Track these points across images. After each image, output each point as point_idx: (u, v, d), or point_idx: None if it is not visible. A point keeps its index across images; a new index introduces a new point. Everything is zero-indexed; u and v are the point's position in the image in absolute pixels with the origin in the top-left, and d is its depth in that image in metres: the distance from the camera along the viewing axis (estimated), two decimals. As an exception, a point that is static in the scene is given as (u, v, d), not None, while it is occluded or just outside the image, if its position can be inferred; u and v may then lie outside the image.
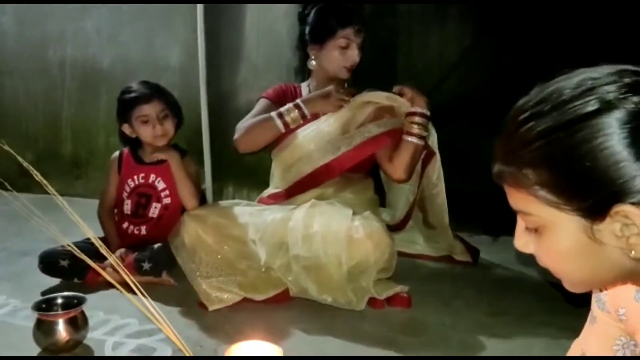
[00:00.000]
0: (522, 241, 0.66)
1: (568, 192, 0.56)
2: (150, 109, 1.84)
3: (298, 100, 1.80)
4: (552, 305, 1.58)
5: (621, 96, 0.54)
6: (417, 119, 1.78)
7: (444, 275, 1.93)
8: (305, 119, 1.80)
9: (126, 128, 1.89)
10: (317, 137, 1.80)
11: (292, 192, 1.86)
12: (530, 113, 0.58)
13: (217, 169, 2.65)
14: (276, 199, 1.90)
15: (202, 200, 1.96)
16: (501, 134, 0.62)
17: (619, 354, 0.75)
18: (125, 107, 1.86)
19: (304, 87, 1.96)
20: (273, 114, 1.79)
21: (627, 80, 0.55)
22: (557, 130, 0.56)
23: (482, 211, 2.42)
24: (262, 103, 1.90)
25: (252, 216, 1.73)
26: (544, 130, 0.56)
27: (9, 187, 1.17)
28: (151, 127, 1.84)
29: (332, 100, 1.79)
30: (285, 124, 1.78)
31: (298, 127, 1.82)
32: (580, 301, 0.79)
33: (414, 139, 1.79)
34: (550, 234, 0.60)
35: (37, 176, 1.15)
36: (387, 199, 2.09)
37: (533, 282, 1.83)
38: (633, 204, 0.54)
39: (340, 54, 1.82)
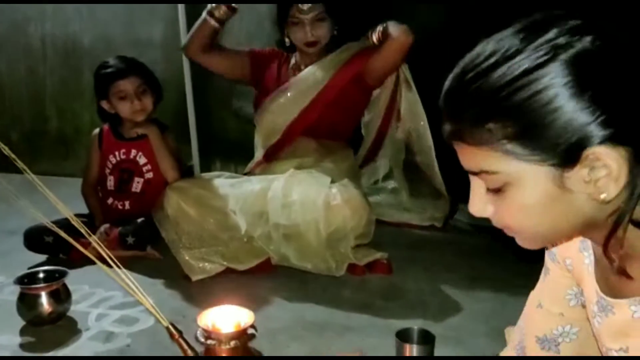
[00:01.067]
0: (479, 205, 0.64)
1: (537, 142, 0.55)
2: (127, 85, 1.83)
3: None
4: (531, 270, 1.60)
5: (569, 40, 0.55)
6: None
7: (425, 242, 1.96)
8: (232, 11, 1.90)
9: (104, 104, 1.89)
10: (293, 90, 1.90)
11: (275, 150, 1.91)
12: (486, 65, 0.57)
13: (203, 145, 2.65)
14: (260, 164, 1.95)
15: (186, 176, 1.97)
16: (451, 91, 0.60)
17: (572, 303, 0.77)
18: (103, 83, 1.86)
19: (292, 57, 2.02)
20: (204, 12, 1.92)
21: (570, 24, 0.56)
22: (517, 79, 0.55)
23: (459, 178, 2.43)
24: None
25: (233, 187, 1.75)
26: (506, 82, 0.55)
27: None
28: (129, 103, 1.84)
29: None
30: (217, 19, 1.89)
31: (275, 90, 1.92)
32: (533, 258, 0.80)
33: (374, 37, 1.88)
34: (515, 190, 0.59)
35: (14, 159, 1.16)
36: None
37: (510, 250, 1.85)
38: (600, 144, 0.54)
39: (297, 31, 1.88)
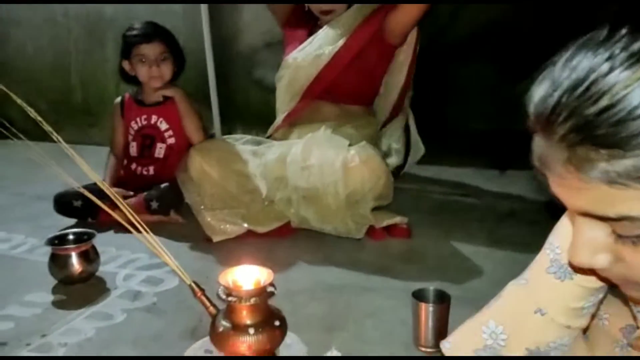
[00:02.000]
0: (590, 255, 0.50)
1: None
2: (149, 49, 1.85)
3: None
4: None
5: None
6: None
7: (446, 208, 1.96)
8: None
9: (126, 64, 1.92)
10: (309, 49, 1.91)
11: (296, 113, 1.93)
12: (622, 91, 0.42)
13: (224, 113, 2.67)
14: (285, 121, 1.98)
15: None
16: (572, 114, 0.44)
17: (585, 312, 0.67)
18: (127, 44, 1.89)
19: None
20: None
21: None
22: None
23: (489, 146, 2.43)
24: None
25: (254, 154, 1.77)
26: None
27: (22, 136, 1.22)
28: (148, 68, 1.87)
29: None
30: None
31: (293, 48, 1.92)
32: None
33: None
34: None
35: (45, 126, 1.20)
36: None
37: (535, 214, 1.85)
38: None
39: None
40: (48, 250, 1.45)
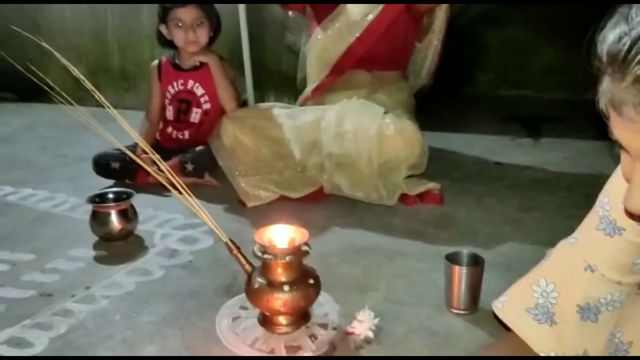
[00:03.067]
0: None
1: None
2: (185, 14, 1.86)
3: None
4: (586, 201, 1.58)
5: None
6: None
7: (479, 175, 1.94)
8: None
9: (163, 29, 1.94)
10: (340, 22, 1.86)
11: (327, 83, 1.90)
12: None
13: (257, 79, 2.67)
14: (315, 93, 1.95)
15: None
16: None
17: (637, 268, 0.66)
18: (164, 9, 1.90)
19: None
20: None
21: None
22: None
23: (525, 114, 2.38)
24: None
25: (288, 117, 1.78)
26: None
27: (70, 100, 1.25)
28: (184, 32, 1.87)
29: None
30: None
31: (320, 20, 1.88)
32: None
33: None
34: None
35: (89, 86, 1.22)
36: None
37: (568, 181, 1.83)
38: None
39: None
40: (89, 208, 1.50)
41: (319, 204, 1.71)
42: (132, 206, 1.52)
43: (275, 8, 2.63)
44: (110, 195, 1.54)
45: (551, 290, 0.68)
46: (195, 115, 1.98)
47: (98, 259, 1.41)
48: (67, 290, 1.25)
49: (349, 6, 1.88)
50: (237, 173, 1.73)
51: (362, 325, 1.03)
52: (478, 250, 1.32)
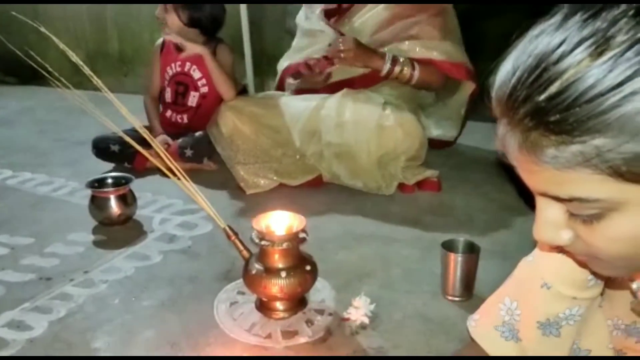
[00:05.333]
0: (552, 233, 0.51)
1: None
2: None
3: None
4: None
5: None
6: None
7: (476, 163, 1.94)
8: None
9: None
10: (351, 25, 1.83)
11: (327, 91, 1.86)
12: (577, 59, 0.41)
13: (258, 64, 2.67)
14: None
15: (242, 94, 2.00)
16: (525, 92, 0.44)
17: (591, 284, 0.67)
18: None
19: None
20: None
21: None
22: (625, 83, 0.40)
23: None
24: None
25: (287, 105, 1.77)
26: (613, 85, 0.40)
27: (68, 84, 1.25)
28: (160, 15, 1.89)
29: None
30: None
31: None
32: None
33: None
34: (621, 217, 0.45)
35: (87, 71, 1.22)
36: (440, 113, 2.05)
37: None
38: None
39: None
40: (88, 192, 1.51)
41: (317, 191, 1.71)
42: (131, 191, 1.52)
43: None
44: (109, 180, 1.54)
45: (515, 307, 0.70)
46: (192, 99, 1.98)
47: (97, 244, 1.42)
48: (66, 274, 1.26)
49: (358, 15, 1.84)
50: (236, 161, 1.73)
51: (358, 312, 1.05)
52: (475, 237, 1.33)
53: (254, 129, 1.74)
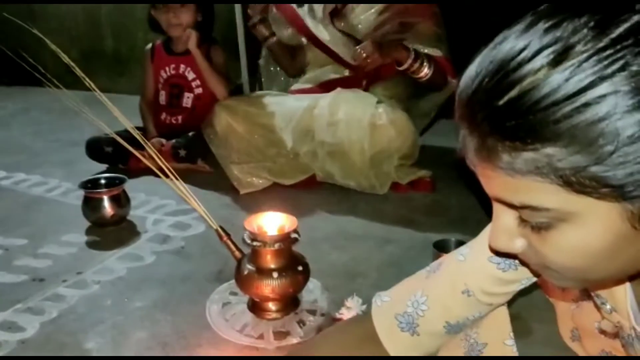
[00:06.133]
0: (507, 241, 0.51)
1: (614, 173, 0.41)
2: None
3: None
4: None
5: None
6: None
7: (472, 163, 1.95)
8: None
9: (153, 11, 1.92)
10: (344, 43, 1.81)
11: (321, 90, 1.87)
12: (534, 69, 0.42)
13: (252, 63, 2.66)
14: (305, 92, 1.93)
15: (237, 94, 2.01)
16: (483, 98, 0.44)
17: (512, 295, 0.69)
18: None
19: None
20: None
21: None
22: (580, 94, 0.40)
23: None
24: None
25: (280, 105, 1.78)
26: (565, 96, 0.41)
27: (59, 84, 1.25)
28: (166, 14, 1.86)
29: None
30: None
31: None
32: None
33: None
34: (570, 228, 0.46)
35: (79, 72, 1.22)
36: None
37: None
38: None
39: None
40: (81, 193, 1.51)
41: (311, 190, 1.72)
42: (124, 192, 1.52)
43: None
44: (103, 181, 1.54)
45: (422, 301, 0.70)
46: (187, 100, 1.98)
47: (90, 245, 1.42)
48: (59, 275, 1.26)
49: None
50: (230, 161, 1.73)
51: (350, 312, 1.05)
52: (467, 237, 1.32)
53: (248, 128, 1.75)
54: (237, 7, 2.57)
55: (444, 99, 1.83)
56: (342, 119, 1.64)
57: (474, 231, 1.43)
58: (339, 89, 1.74)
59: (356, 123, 1.62)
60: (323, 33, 1.85)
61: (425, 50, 1.71)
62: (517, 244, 0.51)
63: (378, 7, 1.78)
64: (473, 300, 0.67)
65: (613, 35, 0.40)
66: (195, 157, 1.86)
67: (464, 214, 1.53)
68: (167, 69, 1.99)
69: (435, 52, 1.73)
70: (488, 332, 0.73)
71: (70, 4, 3.08)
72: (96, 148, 1.89)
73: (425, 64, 1.68)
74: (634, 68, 0.39)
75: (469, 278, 0.67)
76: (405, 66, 1.67)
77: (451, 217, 1.52)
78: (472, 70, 0.46)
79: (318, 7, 1.87)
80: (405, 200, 1.64)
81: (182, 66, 1.96)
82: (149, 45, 2.04)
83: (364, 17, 1.80)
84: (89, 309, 1.14)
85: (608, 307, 0.62)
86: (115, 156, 1.87)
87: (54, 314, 1.12)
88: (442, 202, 1.62)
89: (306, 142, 1.70)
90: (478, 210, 1.55)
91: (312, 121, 1.69)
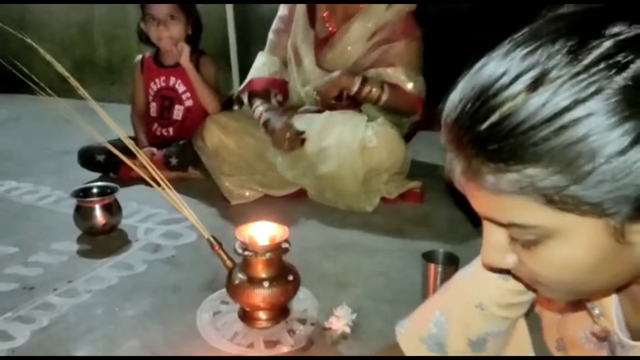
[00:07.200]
0: (498, 257, 0.53)
1: (595, 191, 0.43)
2: (157, 9, 1.85)
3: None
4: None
5: (627, 59, 0.42)
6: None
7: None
8: None
9: (142, 24, 1.93)
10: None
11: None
12: (515, 92, 0.44)
13: (244, 75, 2.68)
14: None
15: (228, 106, 2.02)
16: (468, 120, 0.46)
17: (524, 308, 0.73)
18: (141, 4, 1.89)
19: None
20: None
21: (624, 33, 0.43)
22: (559, 116, 0.42)
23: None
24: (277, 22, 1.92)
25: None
26: (546, 118, 0.43)
27: (51, 92, 1.25)
28: (156, 27, 1.86)
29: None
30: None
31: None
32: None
33: None
34: (557, 244, 0.47)
35: (73, 82, 1.22)
36: None
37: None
38: None
39: None
40: (73, 202, 1.51)
41: (301, 201, 1.73)
42: (116, 201, 1.53)
43: (264, 6, 2.64)
44: (95, 190, 1.55)
45: (444, 321, 0.72)
46: (178, 112, 1.98)
47: (81, 253, 1.43)
48: (50, 284, 1.26)
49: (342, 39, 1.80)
50: (220, 172, 1.74)
51: (340, 321, 1.06)
52: (456, 248, 1.35)
53: (239, 143, 1.75)
54: (230, 18, 2.60)
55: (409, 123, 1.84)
56: (332, 145, 1.63)
57: (463, 242, 1.47)
58: (327, 113, 1.72)
59: (346, 149, 1.61)
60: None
61: (394, 79, 1.72)
62: (509, 260, 0.52)
63: (369, 32, 1.77)
64: (488, 314, 0.70)
65: (586, 61, 0.42)
66: (187, 165, 1.87)
67: (453, 226, 1.55)
68: (157, 81, 1.99)
69: (405, 84, 1.73)
70: (509, 350, 0.75)
71: (62, 13, 3.08)
72: (88, 157, 1.90)
73: (375, 89, 1.68)
74: (608, 91, 0.41)
75: (479, 292, 0.70)
76: (353, 92, 1.68)
77: (440, 228, 1.54)
78: (455, 95, 0.49)
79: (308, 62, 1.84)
80: (395, 211, 1.65)
81: (173, 79, 1.97)
82: (139, 57, 2.05)
83: (354, 42, 1.78)
84: (79, 318, 1.14)
85: (597, 311, 0.64)
86: (107, 165, 1.88)
87: (44, 323, 1.12)
88: (431, 212, 1.64)
89: (295, 167, 1.70)
90: (466, 221, 1.58)
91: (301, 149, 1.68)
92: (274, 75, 1.86)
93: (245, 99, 1.89)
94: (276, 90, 1.88)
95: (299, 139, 1.67)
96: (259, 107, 1.79)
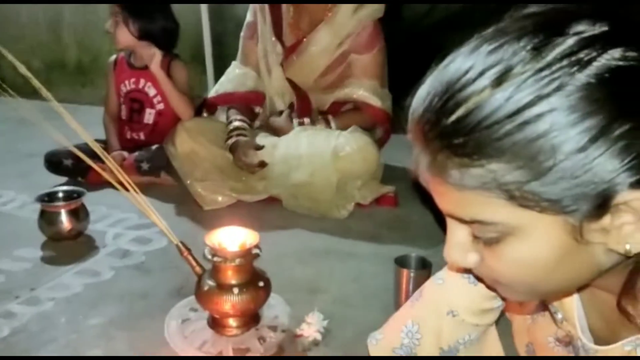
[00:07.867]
0: (460, 254, 0.53)
1: (554, 188, 0.43)
2: (111, 9, 1.82)
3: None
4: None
5: (590, 56, 0.43)
6: None
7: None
8: None
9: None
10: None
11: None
12: (479, 88, 0.44)
13: (219, 77, 2.65)
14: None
15: (201, 109, 1.98)
16: (432, 115, 0.46)
17: (496, 314, 0.73)
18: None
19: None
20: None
21: (588, 30, 0.44)
22: (521, 112, 0.42)
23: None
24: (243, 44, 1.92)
25: None
26: (508, 114, 0.43)
27: (13, 93, 1.21)
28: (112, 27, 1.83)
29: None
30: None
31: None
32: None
33: None
34: (517, 242, 0.47)
35: (36, 83, 1.18)
36: None
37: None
38: (631, 188, 0.43)
39: None
40: (38, 207, 1.46)
41: (275, 206, 1.71)
42: (83, 205, 1.48)
43: (239, 7, 2.61)
44: (60, 194, 1.50)
45: (415, 331, 0.72)
46: (149, 116, 1.94)
47: (45, 260, 1.38)
48: (12, 292, 1.22)
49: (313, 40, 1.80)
50: (193, 178, 1.71)
51: (311, 328, 1.04)
52: (429, 253, 1.35)
53: (211, 151, 1.73)
54: (205, 20, 2.57)
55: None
56: (304, 154, 1.62)
57: (437, 246, 1.45)
58: (299, 127, 1.72)
59: (319, 158, 1.60)
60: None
61: (359, 95, 1.75)
62: (470, 259, 0.53)
63: (335, 42, 1.77)
64: (459, 321, 0.70)
65: (549, 58, 0.42)
66: (158, 169, 1.83)
67: (427, 230, 1.55)
68: (127, 82, 1.95)
69: (371, 101, 1.75)
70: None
71: (31, 12, 3.01)
72: (55, 161, 1.84)
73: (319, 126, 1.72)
74: (570, 88, 0.41)
75: (451, 298, 0.70)
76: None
77: (414, 232, 1.54)
78: (423, 90, 0.48)
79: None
80: (370, 216, 1.64)
81: (142, 81, 1.93)
82: (113, 57, 2.00)
83: (320, 52, 1.78)
84: (41, 327, 1.10)
85: (559, 316, 0.64)
86: (74, 169, 1.83)
87: (5, 332, 1.07)
88: (404, 217, 1.64)
89: (265, 177, 1.69)
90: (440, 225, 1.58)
91: (273, 157, 1.67)
92: (253, 89, 1.86)
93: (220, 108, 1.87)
94: (257, 107, 1.88)
95: (256, 165, 1.68)
96: (233, 122, 1.77)
